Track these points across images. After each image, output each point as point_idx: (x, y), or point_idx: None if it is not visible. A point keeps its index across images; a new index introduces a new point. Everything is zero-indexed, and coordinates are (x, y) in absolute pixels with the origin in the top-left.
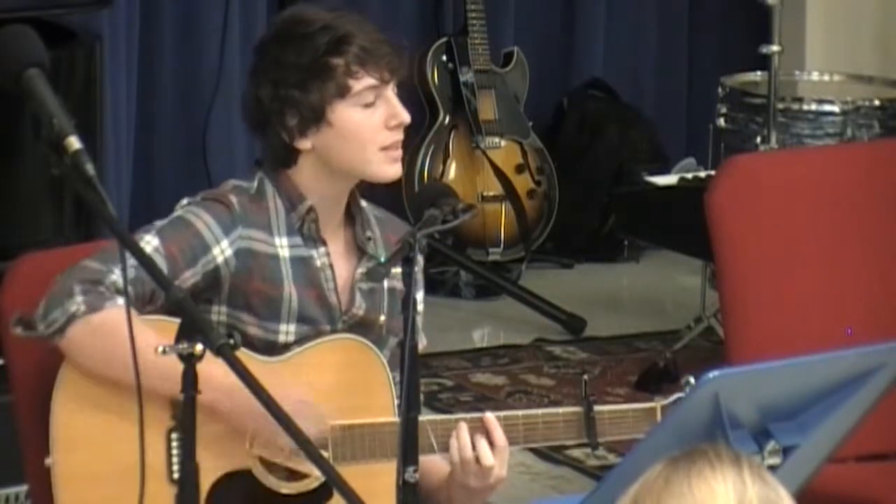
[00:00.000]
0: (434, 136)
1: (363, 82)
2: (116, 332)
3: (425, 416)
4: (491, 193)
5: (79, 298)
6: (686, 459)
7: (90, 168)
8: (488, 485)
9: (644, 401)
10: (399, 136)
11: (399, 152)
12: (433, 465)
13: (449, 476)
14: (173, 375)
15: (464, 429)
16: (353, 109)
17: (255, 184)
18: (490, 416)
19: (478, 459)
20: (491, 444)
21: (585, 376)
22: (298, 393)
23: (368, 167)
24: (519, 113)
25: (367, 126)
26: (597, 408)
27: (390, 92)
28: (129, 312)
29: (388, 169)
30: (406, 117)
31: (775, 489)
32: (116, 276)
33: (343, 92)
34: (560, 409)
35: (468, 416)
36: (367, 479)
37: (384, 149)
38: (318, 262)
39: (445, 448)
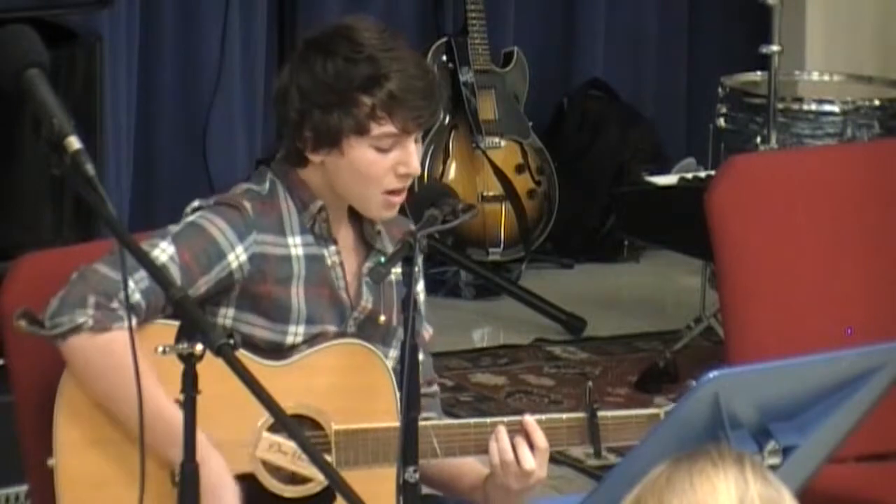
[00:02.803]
0: (434, 136)
1: (384, 129)
2: (115, 358)
3: (429, 421)
4: (491, 193)
5: (90, 311)
6: (688, 458)
7: (90, 168)
8: (528, 486)
9: (644, 401)
10: (405, 183)
11: (401, 198)
12: (467, 465)
13: (488, 477)
14: (162, 422)
15: (503, 431)
16: (367, 149)
17: (267, 185)
18: (530, 419)
19: (518, 462)
20: (531, 446)
21: (590, 383)
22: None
23: (366, 204)
24: (519, 113)
25: (376, 168)
26: (600, 413)
27: (410, 141)
28: (132, 334)
29: (385, 211)
30: (416, 169)
31: (777, 489)
32: (131, 288)
33: (361, 131)
34: (564, 415)
35: (473, 420)
36: (370, 484)
37: (387, 192)
38: (329, 261)
39: (448, 453)
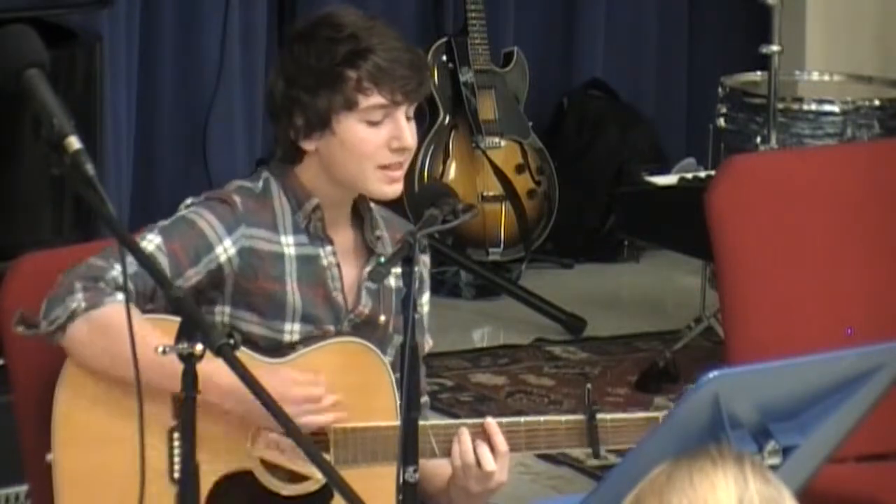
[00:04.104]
0: (434, 136)
1: (372, 100)
2: (117, 329)
3: (428, 421)
4: (491, 193)
5: (79, 295)
6: (689, 457)
7: (90, 168)
8: (488, 489)
9: (644, 401)
10: (400, 158)
11: (399, 173)
12: (438, 468)
13: (450, 479)
14: (175, 373)
15: (465, 434)
16: (358, 124)
17: (261, 184)
18: (491, 422)
19: (479, 464)
20: (492, 449)
21: (589, 385)
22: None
23: (365, 183)
24: (519, 113)
25: (369, 142)
26: (599, 416)
27: (400, 113)
28: (128, 308)
29: (386, 188)
30: (409, 142)
31: (778, 488)
32: (117, 272)
33: (350, 105)
34: (563, 417)
35: (470, 421)
36: (368, 482)
37: (383, 168)
38: (325, 262)
39: (447, 453)
